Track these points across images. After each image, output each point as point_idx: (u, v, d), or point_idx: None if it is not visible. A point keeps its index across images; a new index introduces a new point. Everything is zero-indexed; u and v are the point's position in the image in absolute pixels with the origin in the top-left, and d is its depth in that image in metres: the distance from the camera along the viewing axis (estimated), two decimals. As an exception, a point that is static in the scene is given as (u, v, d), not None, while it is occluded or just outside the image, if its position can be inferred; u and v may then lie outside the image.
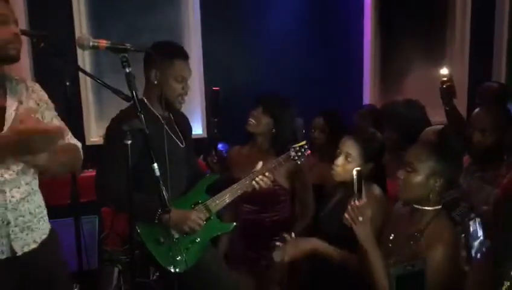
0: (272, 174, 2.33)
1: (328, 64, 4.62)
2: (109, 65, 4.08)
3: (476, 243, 1.56)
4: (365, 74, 4.92)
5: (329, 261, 2.06)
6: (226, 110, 3.14)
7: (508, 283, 1.48)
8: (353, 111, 3.54)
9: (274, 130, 2.59)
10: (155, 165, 1.67)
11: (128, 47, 1.68)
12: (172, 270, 2.09)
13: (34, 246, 1.77)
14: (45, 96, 1.85)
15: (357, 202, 1.78)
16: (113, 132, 2.09)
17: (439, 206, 1.85)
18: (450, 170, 1.83)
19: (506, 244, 1.72)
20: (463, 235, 1.57)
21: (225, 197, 2.28)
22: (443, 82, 2.77)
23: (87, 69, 4.11)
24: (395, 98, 4.33)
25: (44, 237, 1.83)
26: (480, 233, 1.58)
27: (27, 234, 1.75)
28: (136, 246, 2.28)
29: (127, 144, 1.65)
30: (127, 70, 1.66)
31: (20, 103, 1.72)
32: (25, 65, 3.87)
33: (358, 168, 1.82)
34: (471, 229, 1.56)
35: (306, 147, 2.43)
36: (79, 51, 3.82)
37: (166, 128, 2.19)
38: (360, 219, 1.77)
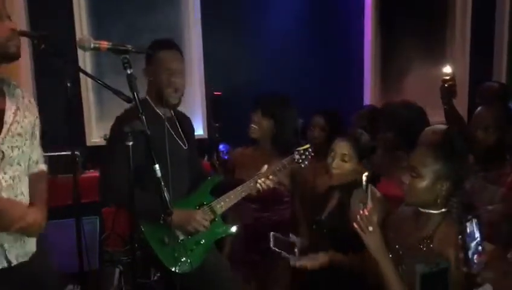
0: (276, 176, 2.34)
1: (328, 64, 4.62)
2: (110, 66, 4.07)
3: (473, 244, 1.56)
4: (366, 74, 4.91)
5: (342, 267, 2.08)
6: (226, 110, 3.15)
7: None
8: (353, 111, 3.53)
9: (275, 130, 2.59)
10: (156, 166, 1.66)
11: (130, 48, 1.67)
12: (177, 271, 2.09)
13: (26, 258, 1.75)
14: (37, 112, 1.86)
15: (365, 211, 1.76)
16: (116, 132, 2.09)
17: (446, 209, 1.80)
18: (456, 172, 1.79)
19: None
20: (460, 236, 1.56)
21: (230, 199, 2.28)
22: (445, 81, 2.74)
23: (88, 69, 4.10)
24: (395, 98, 4.34)
25: (34, 249, 1.81)
26: (477, 234, 1.57)
27: (21, 245, 1.73)
28: (138, 246, 2.29)
29: (129, 145, 1.65)
30: (128, 72, 1.66)
31: (18, 108, 1.72)
32: (25, 66, 3.86)
33: (367, 173, 1.81)
34: (468, 230, 1.55)
35: (310, 150, 2.43)
36: (80, 52, 3.82)
37: (169, 128, 2.19)
38: (370, 228, 1.75)
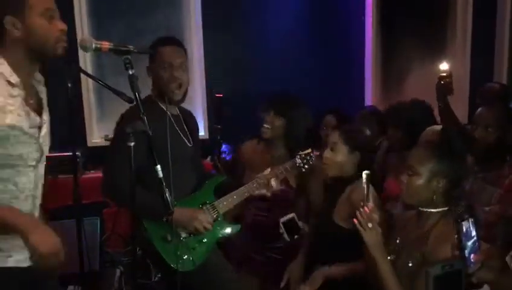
0: (278, 180, 2.35)
1: (328, 64, 4.62)
2: (111, 66, 4.07)
3: (470, 243, 1.56)
4: (366, 74, 4.92)
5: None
6: (227, 110, 3.14)
7: None
8: (354, 111, 3.53)
9: (287, 129, 2.60)
10: (158, 167, 1.66)
11: (131, 49, 1.66)
12: (179, 268, 2.09)
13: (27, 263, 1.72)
14: None
15: (366, 208, 1.77)
16: (119, 132, 2.10)
17: (445, 208, 1.82)
18: (452, 169, 1.81)
19: None
20: (456, 235, 1.56)
21: (232, 199, 2.29)
22: (441, 77, 2.71)
23: (89, 70, 4.11)
24: (396, 98, 4.33)
25: None
26: (473, 233, 1.57)
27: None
28: (139, 246, 2.29)
29: (130, 146, 1.65)
30: (130, 72, 1.65)
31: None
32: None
33: (367, 171, 1.81)
34: (465, 229, 1.55)
35: (312, 155, 2.44)
36: (80, 52, 3.81)
37: (175, 125, 2.19)
38: (370, 225, 1.76)
